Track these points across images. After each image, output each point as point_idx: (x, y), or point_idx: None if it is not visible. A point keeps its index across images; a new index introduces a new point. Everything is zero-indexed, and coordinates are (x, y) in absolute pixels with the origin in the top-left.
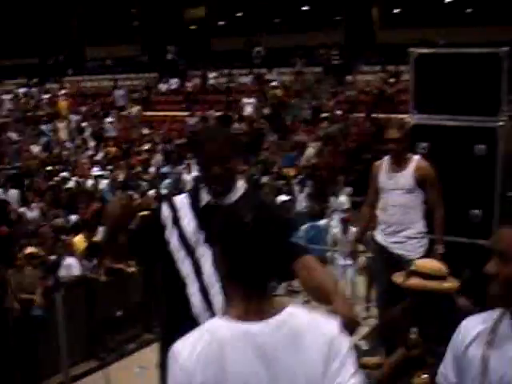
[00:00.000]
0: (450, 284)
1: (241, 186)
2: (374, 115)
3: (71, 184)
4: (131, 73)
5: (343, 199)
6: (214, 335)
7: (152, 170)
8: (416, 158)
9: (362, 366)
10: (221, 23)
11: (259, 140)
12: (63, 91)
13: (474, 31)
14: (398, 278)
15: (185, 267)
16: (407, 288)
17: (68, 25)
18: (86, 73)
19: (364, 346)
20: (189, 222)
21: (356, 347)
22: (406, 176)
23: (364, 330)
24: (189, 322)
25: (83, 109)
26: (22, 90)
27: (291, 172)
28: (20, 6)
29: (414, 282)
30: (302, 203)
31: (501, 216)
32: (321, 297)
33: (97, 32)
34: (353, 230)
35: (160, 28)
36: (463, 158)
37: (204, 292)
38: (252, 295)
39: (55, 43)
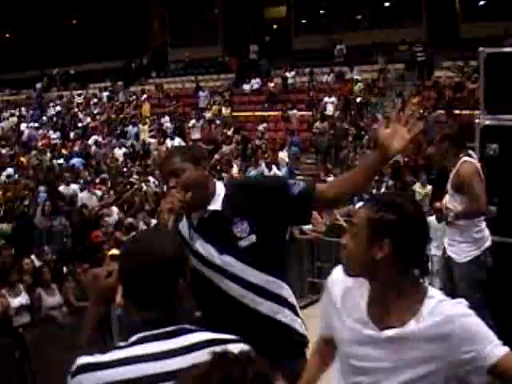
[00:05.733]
0: None
1: (220, 190)
2: (456, 111)
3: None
4: (213, 74)
5: None
6: None
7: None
8: None
9: None
10: (302, 21)
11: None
12: (146, 95)
13: None
14: None
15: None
16: None
17: (151, 27)
18: (169, 75)
19: None
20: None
21: None
22: None
23: None
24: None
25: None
26: (105, 94)
27: None
28: (104, 10)
29: None
30: None
31: None
32: None
33: (179, 34)
34: None
35: (242, 28)
36: None
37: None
38: None
39: (139, 46)
